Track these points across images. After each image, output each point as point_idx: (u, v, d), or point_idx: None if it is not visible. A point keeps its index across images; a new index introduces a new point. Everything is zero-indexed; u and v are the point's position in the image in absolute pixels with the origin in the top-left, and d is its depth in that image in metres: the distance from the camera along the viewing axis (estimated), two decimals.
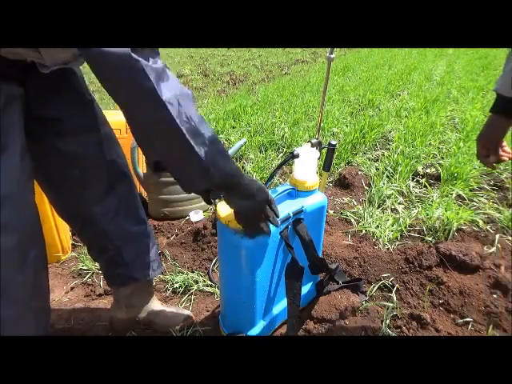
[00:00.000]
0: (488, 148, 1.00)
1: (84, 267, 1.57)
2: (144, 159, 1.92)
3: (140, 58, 0.67)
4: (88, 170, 0.99)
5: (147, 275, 1.16)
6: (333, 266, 1.33)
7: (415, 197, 2.05)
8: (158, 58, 0.74)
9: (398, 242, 1.65)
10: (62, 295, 1.46)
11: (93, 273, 1.54)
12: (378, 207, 1.94)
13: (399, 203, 1.97)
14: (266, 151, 2.69)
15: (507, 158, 1.00)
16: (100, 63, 0.68)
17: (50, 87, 0.88)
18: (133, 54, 0.66)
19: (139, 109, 0.74)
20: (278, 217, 0.93)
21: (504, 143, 0.99)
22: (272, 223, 0.91)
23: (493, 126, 0.96)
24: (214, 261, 1.57)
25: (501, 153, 1.01)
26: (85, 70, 0.93)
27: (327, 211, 1.89)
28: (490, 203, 1.94)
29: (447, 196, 2.00)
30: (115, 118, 1.52)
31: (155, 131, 0.77)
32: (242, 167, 2.48)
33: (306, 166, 1.09)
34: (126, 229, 1.09)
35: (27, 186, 0.82)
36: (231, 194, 0.86)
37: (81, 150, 0.96)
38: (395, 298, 1.34)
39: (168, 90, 0.72)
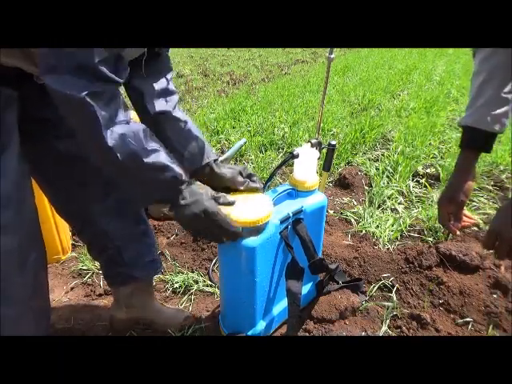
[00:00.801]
0: (451, 212, 0.97)
1: (84, 267, 1.57)
2: None
3: (93, 103, 0.70)
4: (87, 170, 0.99)
5: (147, 275, 1.16)
6: (333, 266, 1.33)
7: (415, 197, 2.05)
8: (115, 101, 0.75)
9: (398, 242, 1.65)
10: (62, 295, 1.46)
11: (93, 273, 1.54)
12: (378, 207, 1.94)
13: (399, 203, 1.97)
14: (265, 151, 2.69)
15: (470, 224, 0.97)
16: (60, 100, 0.71)
17: (44, 88, 0.88)
18: (87, 98, 0.68)
19: (89, 145, 0.78)
20: (221, 229, 0.90)
21: (464, 209, 0.98)
22: (216, 235, 0.91)
23: (460, 175, 0.91)
24: (214, 261, 1.57)
25: (464, 218, 0.98)
26: None
27: (327, 211, 1.89)
28: (490, 203, 1.94)
29: None
30: None
31: (105, 166, 0.82)
32: None
33: (306, 166, 1.09)
34: (126, 228, 1.09)
35: (26, 187, 0.82)
36: (173, 209, 0.88)
37: (79, 151, 0.96)
38: (395, 298, 1.34)
39: (115, 132, 0.74)
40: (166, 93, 1.01)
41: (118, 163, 0.77)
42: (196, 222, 0.88)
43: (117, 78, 0.73)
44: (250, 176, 1.06)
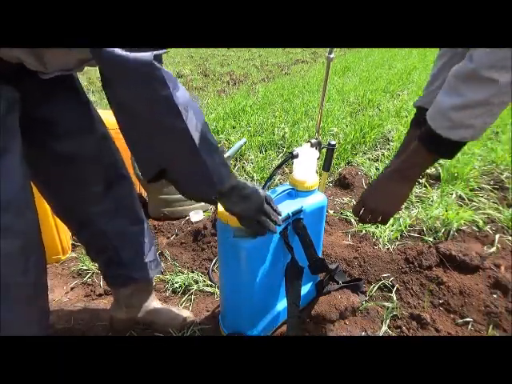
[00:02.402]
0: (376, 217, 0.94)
1: (84, 267, 1.57)
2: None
3: (160, 66, 0.69)
4: (85, 171, 0.98)
5: (146, 275, 1.16)
6: (333, 266, 1.33)
7: (415, 197, 2.05)
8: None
9: (397, 242, 1.65)
10: (62, 295, 1.46)
11: (93, 273, 1.54)
12: None
13: None
14: (265, 151, 2.69)
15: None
16: (122, 69, 0.68)
17: (45, 89, 0.88)
18: (154, 62, 0.67)
19: (155, 115, 0.75)
20: (279, 214, 0.93)
21: None
22: (272, 221, 0.91)
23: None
24: (214, 261, 1.57)
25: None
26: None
27: (327, 211, 1.89)
28: (490, 203, 1.94)
29: (447, 196, 2.00)
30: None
31: (166, 139, 0.78)
32: (242, 167, 2.48)
33: (306, 166, 1.09)
34: (124, 229, 1.08)
35: (28, 188, 0.82)
36: (230, 200, 0.87)
37: (77, 151, 0.96)
38: (395, 298, 1.34)
39: (181, 99, 0.74)
40: None
41: (184, 133, 0.75)
42: (260, 212, 0.88)
43: None
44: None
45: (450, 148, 0.73)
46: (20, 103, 0.81)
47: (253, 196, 0.87)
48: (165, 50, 0.72)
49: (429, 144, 0.74)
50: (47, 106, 0.90)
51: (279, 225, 0.94)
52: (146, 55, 0.67)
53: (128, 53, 0.66)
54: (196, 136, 0.77)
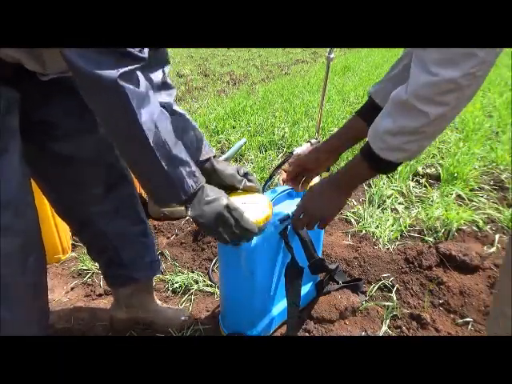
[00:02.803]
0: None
1: (84, 267, 1.57)
2: None
3: (125, 84, 0.69)
4: (85, 171, 0.98)
5: (147, 275, 1.16)
6: (333, 266, 1.33)
7: (415, 197, 2.05)
8: (159, 73, 0.75)
9: (398, 242, 1.65)
10: (62, 295, 1.46)
11: (93, 273, 1.54)
12: (378, 207, 1.94)
13: (399, 203, 1.97)
14: (265, 151, 2.69)
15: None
16: (88, 84, 0.70)
17: (44, 90, 0.88)
18: (119, 80, 0.68)
19: (118, 131, 0.77)
20: (242, 225, 0.89)
21: None
22: (232, 232, 0.89)
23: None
24: (214, 261, 1.57)
25: None
26: None
27: None
28: (490, 203, 1.94)
29: (447, 196, 2.00)
30: None
31: (131, 152, 0.81)
32: None
33: None
34: (125, 229, 1.09)
35: (27, 188, 0.82)
36: (191, 206, 0.87)
37: (77, 152, 0.96)
38: (395, 298, 1.34)
39: (147, 115, 0.74)
40: (165, 85, 1.00)
41: (148, 150, 0.75)
42: (218, 220, 0.87)
43: (141, 55, 0.72)
44: (246, 175, 1.05)
45: (389, 167, 0.75)
46: (19, 104, 0.81)
47: (212, 202, 0.86)
48: (135, 66, 0.72)
49: (369, 160, 0.76)
50: (46, 107, 0.90)
51: (242, 235, 0.91)
52: (112, 73, 0.67)
53: (94, 69, 0.67)
54: (159, 151, 0.77)
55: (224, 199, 0.87)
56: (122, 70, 0.68)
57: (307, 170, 1.05)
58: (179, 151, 0.81)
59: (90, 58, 0.66)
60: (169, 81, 1.02)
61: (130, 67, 0.70)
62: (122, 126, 0.75)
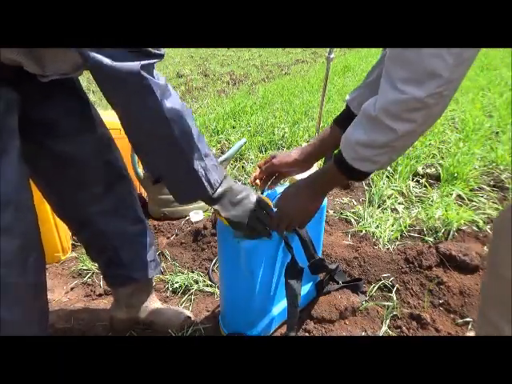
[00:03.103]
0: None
1: (84, 267, 1.57)
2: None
3: (148, 76, 0.70)
4: (84, 171, 0.98)
5: (146, 275, 1.16)
6: (333, 266, 1.33)
7: (415, 197, 2.05)
8: (160, 74, 0.76)
9: (398, 242, 1.65)
10: (62, 295, 1.46)
11: (93, 273, 1.54)
12: (378, 207, 1.94)
13: (399, 203, 1.97)
14: (265, 151, 2.69)
15: None
16: (109, 77, 0.70)
17: (44, 90, 0.88)
18: (142, 71, 0.69)
19: (143, 124, 0.77)
20: (273, 222, 0.92)
21: None
22: (266, 226, 0.91)
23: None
24: (214, 261, 1.57)
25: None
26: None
27: (327, 211, 1.89)
28: (490, 203, 1.94)
29: (447, 196, 2.00)
30: (115, 118, 1.52)
31: (156, 146, 0.80)
32: (242, 167, 2.48)
33: None
34: (124, 229, 1.08)
35: (26, 188, 0.82)
36: (221, 205, 0.88)
37: (76, 151, 0.96)
38: (395, 298, 1.34)
39: (171, 107, 0.75)
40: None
41: (172, 141, 0.75)
42: (253, 218, 0.88)
43: (158, 52, 0.73)
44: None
45: (360, 175, 0.77)
46: (19, 104, 0.81)
47: (243, 202, 0.87)
48: (155, 60, 0.72)
49: (342, 169, 0.78)
50: (46, 107, 0.90)
51: (273, 229, 0.94)
52: (134, 65, 0.68)
53: (116, 62, 0.67)
54: (184, 143, 0.78)
55: (254, 195, 0.87)
56: (143, 62, 0.69)
57: (280, 173, 1.05)
58: (202, 144, 0.81)
59: (109, 53, 0.67)
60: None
61: (149, 61, 0.70)
62: (146, 117, 0.75)
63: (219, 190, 0.86)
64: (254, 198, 0.88)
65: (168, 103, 0.74)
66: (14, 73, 0.79)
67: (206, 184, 0.83)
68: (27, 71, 0.80)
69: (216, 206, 0.89)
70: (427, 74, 0.57)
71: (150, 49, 0.71)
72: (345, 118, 0.93)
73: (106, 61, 0.67)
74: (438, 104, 0.60)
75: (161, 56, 0.74)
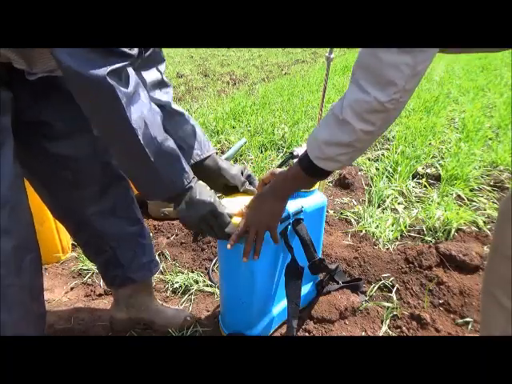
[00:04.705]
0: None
1: (84, 267, 1.57)
2: None
3: (113, 83, 0.69)
4: (80, 171, 0.98)
5: (145, 276, 1.16)
6: (333, 266, 1.33)
7: (415, 197, 2.05)
8: (133, 73, 0.75)
9: (397, 242, 1.65)
10: (62, 295, 1.46)
11: (93, 273, 1.54)
12: (378, 207, 1.94)
13: (399, 203, 1.97)
14: (265, 151, 2.69)
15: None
16: (77, 82, 0.70)
17: (38, 90, 0.88)
18: (108, 78, 0.68)
19: (109, 130, 0.78)
20: (223, 228, 0.91)
21: None
22: (215, 233, 0.91)
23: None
24: (214, 261, 1.57)
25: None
26: None
27: (327, 211, 1.89)
28: (490, 203, 1.94)
29: (447, 196, 2.00)
30: None
31: (122, 150, 0.81)
32: None
33: None
34: (121, 230, 1.08)
35: (21, 189, 0.82)
36: (178, 204, 0.88)
37: (72, 152, 0.96)
38: (395, 298, 1.34)
39: (136, 112, 0.74)
40: (161, 84, 1.00)
41: (138, 147, 0.75)
42: (201, 223, 0.88)
43: (129, 52, 0.72)
44: (249, 177, 1.04)
45: (323, 174, 0.81)
46: (13, 104, 0.81)
47: (199, 204, 0.87)
48: (125, 63, 0.71)
49: (305, 167, 0.81)
50: (40, 107, 0.90)
51: (221, 238, 0.93)
52: (100, 71, 0.67)
53: (83, 67, 0.66)
54: (150, 147, 0.78)
55: (211, 203, 0.88)
56: (110, 68, 0.68)
57: None
58: (169, 148, 0.82)
59: (78, 56, 0.66)
60: (165, 79, 1.01)
61: (118, 65, 0.70)
62: (111, 123, 0.76)
63: (181, 194, 0.87)
64: (211, 206, 0.88)
65: (134, 109, 0.74)
66: (6, 71, 0.79)
67: (168, 187, 0.84)
68: (20, 71, 0.79)
69: (174, 205, 0.89)
70: (386, 81, 0.63)
71: (122, 49, 0.70)
72: None
73: (74, 65, 0.66)
74: (395, 109, 0.66)
75: (131, 56, 0.73)
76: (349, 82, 0.69)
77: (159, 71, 1.00)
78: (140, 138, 0.75)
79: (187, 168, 0.86)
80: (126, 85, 0.72)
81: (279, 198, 0.90)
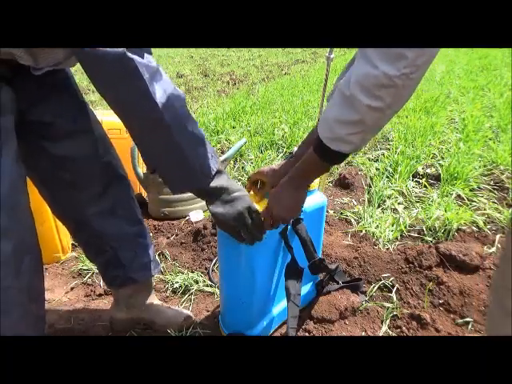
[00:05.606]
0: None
1: (84, 267, 1.57)
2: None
3: (134, 57, 0.67)
4: (80, 172, 0.98)
5: (145, 276, 1.16)
6: (333, 266, 1.33)
7: (415, 197, 2.05)
8: (151, 57, 0.74)
9: (397, 242, 1.65)
10: (62, 295, 1.46)
11: (93, 273, 1.54)
12: (378, 207, 1.94)
13: (399, 203, 1.97)
14: (265, 151, 2.69)
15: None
16: (94, 63, 0.68)
17: (39, 90, 0.88)
18: (127, 53, 0.66)
19: (132, 108, 0.74)
20: (260, 228, 0.90)
21: None
22: (251, 234, 0.89)
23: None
24: (214, 261, 1.57)
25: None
26: (79, 68, 0.92)
27: (327, 211, 1.89)
28: (490, 203, 1.94)
29: (447, 196, 2.00)
30: (115, 118, 1.52)
31: (147, 131, 0.77)
32: (242, 167, 2.48)
33: None
34: (122, 230, 1.08)
35: (22, 190, 0.81)
36: (212, 200, 0.86)
37: (72, 152, 0.95)
38: (395, 298, 1.34)
39: (161, 91, 0.72)
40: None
41: (163, 127, 0.72)
42: (238, 220, 0.85)
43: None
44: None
45: (335, 157, 0.78)
46: (15, 104, 0.80)
47: (235, 203, 0.85)
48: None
49: (319, 151, 0.78)
50: (43, 108, 0.90)
51: (258, 239, 0.92)
52: (118, 48, 0.66)
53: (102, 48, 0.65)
54: (176, 128, 0.75)
55: (247, 199, 0.86)
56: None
57: (262, 182, 1.05)
58: (196, 130, 0.78)
59: None
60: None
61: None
62: (134, 102, 0.72)
63: (213, 184, 0.83)
64: (246, 201, 0.86)
65: (158, 87, 0.71)
66: (9, 71, 0.78)
67: (198, 172, 0.80)
68: (21, 69, 0.79)
69: (207, 201, 0.87)
70: (395, 54, 0.60)
71: None
72: None
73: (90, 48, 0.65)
74: (404, 86, 0.64)
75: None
76: (357, 57, 0.66)
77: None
78: (164, 115, 0.72)
79: (214, 153, 0.82)
80: (147, 62, 0.70)
81: (298, 187, 0.89)
